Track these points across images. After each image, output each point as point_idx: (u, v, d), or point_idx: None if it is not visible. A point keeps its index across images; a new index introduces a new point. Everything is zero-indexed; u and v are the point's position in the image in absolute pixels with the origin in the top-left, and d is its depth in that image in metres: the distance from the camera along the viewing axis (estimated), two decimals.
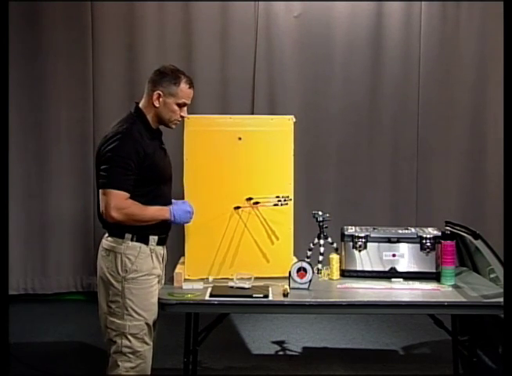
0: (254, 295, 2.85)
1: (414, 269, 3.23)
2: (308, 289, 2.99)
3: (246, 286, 2.96)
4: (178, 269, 3.16)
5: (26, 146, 5.43)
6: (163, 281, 2.95)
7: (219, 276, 3.16)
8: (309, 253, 3.37)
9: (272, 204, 3.14)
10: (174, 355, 3.89)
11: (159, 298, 2.82)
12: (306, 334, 4.65)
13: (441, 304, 2.86)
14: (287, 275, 3.01)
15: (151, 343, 2.80)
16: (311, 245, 3.39)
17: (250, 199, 3.15)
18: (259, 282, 3.04)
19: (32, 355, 4.16)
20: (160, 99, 2.79)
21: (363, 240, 3.25)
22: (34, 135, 5.45)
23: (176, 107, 2.82)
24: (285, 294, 2.89)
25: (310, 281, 3.00)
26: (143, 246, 2.76)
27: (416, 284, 3.11)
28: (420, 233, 3.26)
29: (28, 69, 5.38)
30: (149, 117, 2.82)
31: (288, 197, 3.17)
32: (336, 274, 3.24)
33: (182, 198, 3.11)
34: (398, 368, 4.02)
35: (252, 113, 5.38)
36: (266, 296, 2.85)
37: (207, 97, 5.44)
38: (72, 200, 5.50)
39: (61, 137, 5.49)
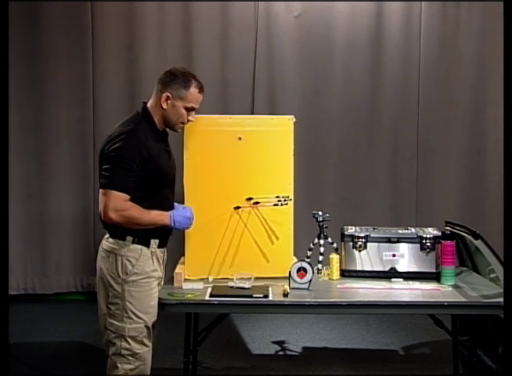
0: (254, 295, 2.85)
1: (414, 269, 3.23)
2: (308, 289, 2.99)
3: (246, 286, 2.96)
4: (178, 269, 3.16)
5: (26, 146, 5.43)
6: (162, 283, 2.93)
7: (219, 276, 3.16)
8: (309, 253, 3.37)
9: (272, 204, 3.14)
10: (174, 355, 3.89)
11: (159, 298, 2.81)
12: (306, 334, 4.65)
13: (441, 304, 2.86)
14: (287, 275, 3.01)
15: (150, 345, 2.79)
16: (311, 245, 3.39)
17: (250, 199, 3.15)
18: (259, 282, 3.04)
19: (32, 355, 4.16)
20: (169, 102, 2.76)
21: (363, 240, 3.25)
22: (34, 135, 5.45)
23: (184, 111, 2.79)
24: (285, 294, 2.89)
25: (310, 281, 3.00)
26: (144, 248, 2.74)
27: (416, 284, 3.11)
28: (420, 233, 3.26)
29: (28, 69, 5.38)
30: (156, 118, 2.79)
31: (288, 196, 3.17)
32: (336, 274, 3.24)
33: (182, 198, 3.11)
34: (398, 368, 4.02)
35: (252, 113, 5.38)
36: (266, 296, 2.85)
37: (207, 97, 5.33)
38: (72, 200, 5.50)
39: (61, 137, 5.49)
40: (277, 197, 3.15)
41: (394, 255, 3.25)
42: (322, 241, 3.36)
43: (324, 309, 2.99)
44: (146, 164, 2.67)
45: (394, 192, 5.65)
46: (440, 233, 3.26)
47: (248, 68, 5.51)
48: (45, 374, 3.88)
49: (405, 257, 3.24)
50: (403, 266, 3.24)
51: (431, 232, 3.28)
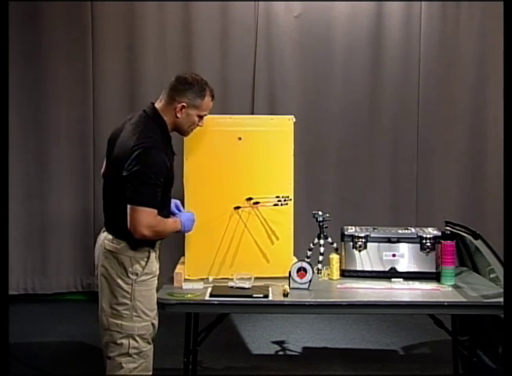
0: (254, 295, 2.86)
1: (414, 269, 3.23)
2: (308, 289, 2.99)
3: (246, 286, 2.96)
4: (178, 269, 3.17)
5: (26, 146, 5.42)
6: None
7: (219, 276, 3.17)
8: (309, 253, 3.37)
9: (272, 204, 3.15)
10: (174, 355, 3.89)
11: (159, 298, 2.82)
12: (306, 334, 4.65)
13: (441, 304, 2.87)
14: (287, 275, 3.02)
15: (152, 343, 2.80)
16: (311, 245, 3.39)
17: (250, 199, 3.15)
18: (259, 282, 3.04)
19: (32, 355, 4.16)
20: (183, 111, 2.74)
21: (363, 240, 3.26)
22: (34, 135, 5.44)
23: (197, 119, 2.79)
24: (285, 294, 2.89)
25: (310, 281, 3.00)
26: (151, 249, 2.76)
27: (416, 284, 3.11)
28: (420, 233, 3.26)
29: (28, 69, 5.37)
30: (167, 123, 2.76)
31: (288, 197, 3.18)
32: (336, 274, 3.24)
33: (182, 198, 3.11)
34: (398, 368, 4.02)
35: (252, 113, 5.37)
36: (266, 296, 2.85)
37: None
38: (72, 200, 5.49)
39: (61, 137, 5.48)
40: (277, 197, 3.15)
41: (394, 255, 3.25)
42: (322, 241, 3.36)
43: (324, 309, 3.00)
44: (167, 175, 2.69)
45: (394, 192, 5.65)
46: (440, 233, 3.26)
47: (248, 68, 5.50)
48: (45, 374, 3.88)
49: (405, 257, 3.25)
50: (403, 266, 3.24)
51: (431, 232, 3.28)
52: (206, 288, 2.97)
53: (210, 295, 2.87)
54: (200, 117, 2.80)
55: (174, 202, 2.95)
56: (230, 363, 4.10)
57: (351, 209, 5.49)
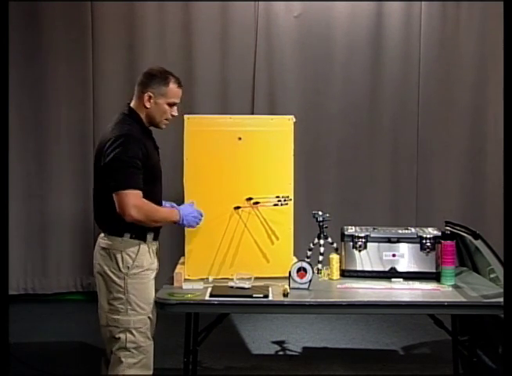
0: (254, 295, 2.86)
1: (414, 269, 3.23)
2: (308, 289, 2.99)
3: (246, 286, 2.96)
4: (178, 269, 3.16)
5: (26, 146, 5.43)
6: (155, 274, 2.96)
7: (219, 276, 3.16)
8: (309, 253, 3.37)
9: (272, 204, 3.14)
10: (174, 355, 3.89)
11: (159, 298, 2.82)
12: (306, 334, 4.65)
13: (441, 304, 2.86)
14: (287, 275, 3.02)
15: (152, 339, 2.83)
16: (311, 245, 3.39)
17: (250, 199, 3.15)
18: (259, 282, 3.04)
19: (32, 355, 4.16)
20: (151, 100, 2.84)
21: (363, 240, 3.25)
22: (34, 135, 5.45)
23: (167, 107, 2.86)
24: (285, 294, 2.89)
25: (310, 281, 3.00)
26: (142, 243, 2.80)
27: (416, 284, 3.11)
28: (420, 233, 3.26)
29: (28, 69, 5.38)
30: (142, 117, 2.86)
31: (288, 197, 3.18)
32: (336, 274, 3.24)
33: (182, 198, 3.11)
34: (398, 368, 4.02)
35: (252, 113, 5.38)
36: (266, 296, 2.85)
37: (207, 97, 5.44)
38: (72, 200, 5.50)
39: (61, 137, 5.49)
40: (277, 197, 3.15)
41: (394, 255, 3.25)
42: (322, 241, 3.36)
43: (324, 309, 2.99)
44: (145, 163, 2.75)
45: (394, 192, 5.65)
46: (440, 233, 3.26)
47: (248, 68, 5.51)
48: (44, 374, 3.88)
49: (405, 257, 3.25)
50: (403, 266, 3.24)
51: (431, 232, 3.28)
52: (206, 288, 2.97)
53: (210, 295, 2.86)
54: (170, 106, 2.87)
55: (169, 203, 3.01)
56: (230, 363, 4.10)
57: (351, 209, 5.49)
